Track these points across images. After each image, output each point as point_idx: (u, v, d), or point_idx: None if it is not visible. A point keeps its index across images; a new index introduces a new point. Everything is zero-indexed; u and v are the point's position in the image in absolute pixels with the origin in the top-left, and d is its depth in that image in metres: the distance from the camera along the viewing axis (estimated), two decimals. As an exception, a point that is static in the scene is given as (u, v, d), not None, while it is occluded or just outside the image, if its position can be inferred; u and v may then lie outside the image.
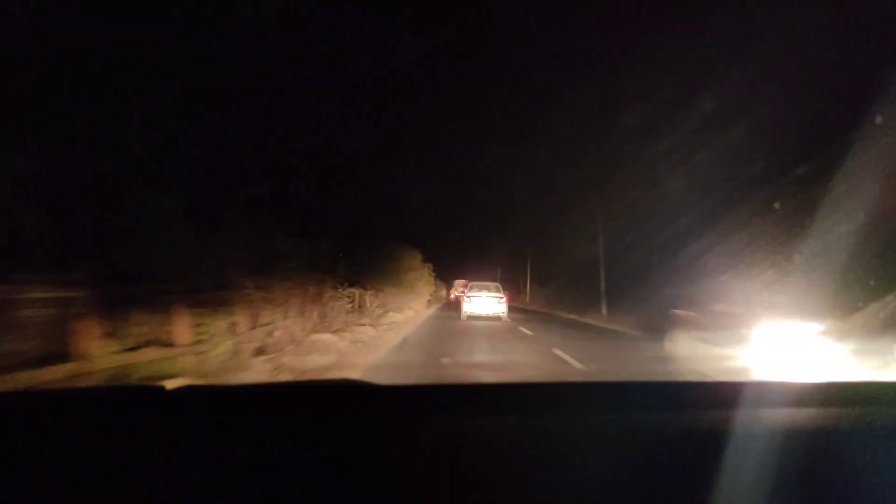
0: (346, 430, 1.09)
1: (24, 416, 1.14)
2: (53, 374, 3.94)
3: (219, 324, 6.66)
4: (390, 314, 16.22)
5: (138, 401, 1.25)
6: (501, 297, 17.56)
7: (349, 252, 13.39)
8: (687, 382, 1.89)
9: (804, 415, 1.30)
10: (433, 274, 24.94)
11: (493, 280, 22.81)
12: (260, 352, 7.26)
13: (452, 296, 37.69)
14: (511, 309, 18.75)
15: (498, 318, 16.73)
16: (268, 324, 7.87)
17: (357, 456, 1.01)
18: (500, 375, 6.78)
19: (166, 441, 1.04)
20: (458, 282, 45.81)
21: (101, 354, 4.58)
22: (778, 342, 6.07)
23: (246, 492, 0.89)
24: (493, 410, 1.25)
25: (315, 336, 9.24)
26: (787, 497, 0.98)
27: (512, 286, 37.85)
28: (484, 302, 17.26)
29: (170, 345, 5.58)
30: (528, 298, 40.81)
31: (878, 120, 10.41)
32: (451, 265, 45.92)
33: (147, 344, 5.36)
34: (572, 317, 22.79)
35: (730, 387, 1.55)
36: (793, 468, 1.04)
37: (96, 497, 0.89)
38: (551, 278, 37.76)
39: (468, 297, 17.82)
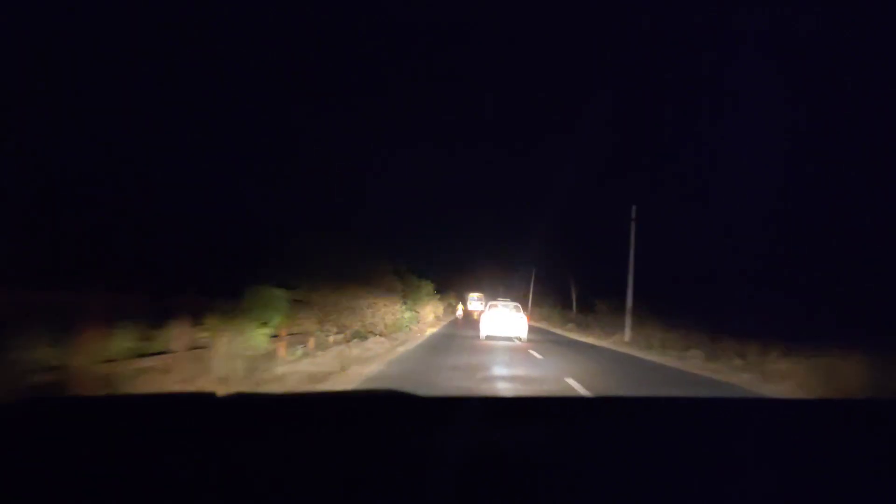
0: (387, 438, 1.11)
1: (79, 422, 1.12)
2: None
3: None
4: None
5: (191, 407, 1.24)
6: (522, 317, 16.89)
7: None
8: (690, 399, 1.81)
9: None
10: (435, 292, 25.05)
11: (511, 298, 22.49)
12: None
13: (460, 312, 35.24)
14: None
15: (519, 339, 16.10)
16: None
17: (397, 463, 1.01)
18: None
19: (217, 447, 1.03)
20: (473, 294, 45.36)
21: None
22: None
23: (290, 497, 0.90)
24: (518, 422, 1.29)
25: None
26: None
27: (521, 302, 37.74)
28: (503, 322, 16.59)
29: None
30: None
31: None
32: (466, 282, 46.43)
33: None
34: (589, 341, 20.47)
35: (739, 404, 1.99)
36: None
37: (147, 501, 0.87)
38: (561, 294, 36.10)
39: (486, 316, 17.22)
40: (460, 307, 35.77)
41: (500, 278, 50.25)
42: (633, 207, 20.61)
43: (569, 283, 35.45)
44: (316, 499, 0.88)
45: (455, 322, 31.05)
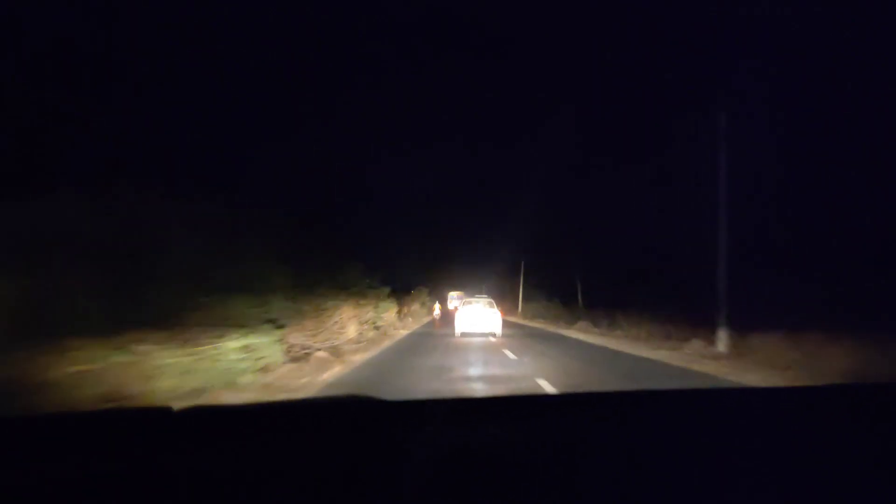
0: (350, 445, 1.10)
1: (27, 439, 1.10)
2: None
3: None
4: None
5: (147, 422, 1.24)
6: (496, 313, 16.56)
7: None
8: (674, 391, 1.94)
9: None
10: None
11: (484, 294, 22.53)
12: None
13: (437, 313, 28.61)
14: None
15: (493, 336, 15.73)
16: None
17: (360, 469, 1.01)
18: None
19: (175, 461, 1.01)
20: (453, 293, 41.22)
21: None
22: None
23: None
24: (484, 423, 1.29)
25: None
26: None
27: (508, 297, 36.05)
28: (478, 319, 16.36)
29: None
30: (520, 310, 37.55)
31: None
32: (445, 278, 43.47)
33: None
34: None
35: (715, 394, 2.04)
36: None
37: None
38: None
39: (461, 313, 16.89)
40: (437, 307, 29.13)
41: (483, 274, 47.81)
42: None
43: (570, 272, 28.51)
44: None
45: (432, 323, 26.15)
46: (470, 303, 17.59)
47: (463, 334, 15.92)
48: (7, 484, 0.89)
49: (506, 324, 17.99)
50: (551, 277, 31.41)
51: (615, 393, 1.76)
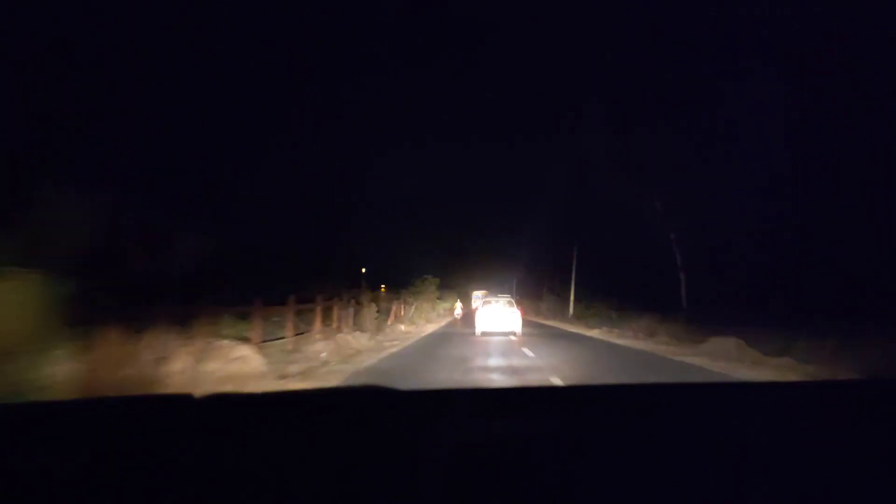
0: (367, 434, 1.11)
1: (55, 425, 1.12)
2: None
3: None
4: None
5: (168, 408, 1.26)
6: (515, 312, 17.09)
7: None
8: (686, 384, 1.90)
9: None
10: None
11: (506, 294, 23.28)
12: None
13: (459, 311, 27.89)
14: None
15: (514, 334, 16.19)
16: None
17: (377, 457, 1.02)
18: None
19: (195, 448, 1.03)
20: (477, 292, 40.99)
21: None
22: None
23: (269, 496, 0.91)
24: (504, 414, 1.30)
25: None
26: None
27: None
28: (498, 318, 16.88)
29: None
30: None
31: None
32: (467, 276, 42.91)
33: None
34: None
35: (734, 388, 2.02)
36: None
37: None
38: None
39: (481, 312, 17.45)
40: (458, 306, 28.49)
41: (512, 274, 46.16)
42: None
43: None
44: (302, 496, 0.89)
45: (453, 323, 25.69)
46: (490, 302, 18.17)
47: (483, 333, 16.38)
48: (25, 469, 0.90)
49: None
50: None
51: (632, 385, 1.80)
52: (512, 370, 8.82)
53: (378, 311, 16.99)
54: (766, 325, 11.54)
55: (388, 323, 18.31)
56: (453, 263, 41.09)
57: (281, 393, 1.56)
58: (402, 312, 21.29)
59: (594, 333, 18.86)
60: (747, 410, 1.32)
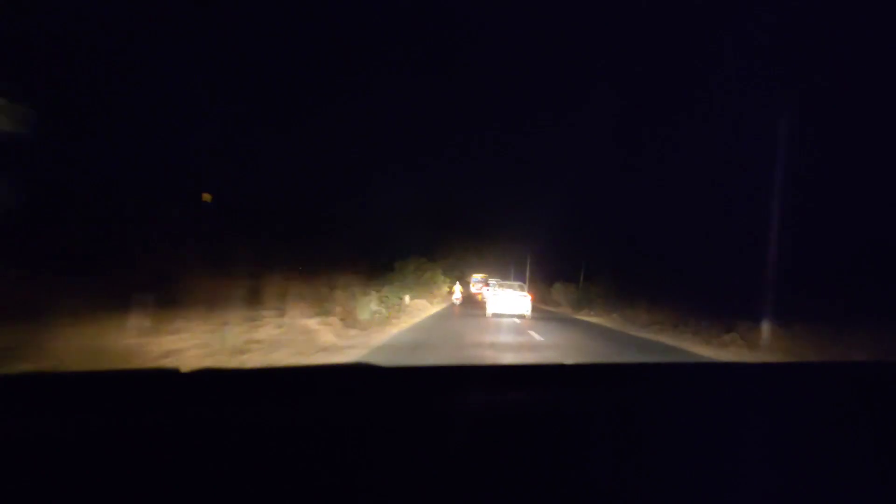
0: (354, 410, 1.10)
1: (37, 397, 1.11)
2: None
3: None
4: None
5: (154, 383, 1.24)
6: (525, 296, 17.91)
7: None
8: (679, 364, 2.02)
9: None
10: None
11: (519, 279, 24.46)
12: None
13: (457, 296, 26.87)
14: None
15: (522, 317, 17.13)
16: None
17: (366, 434, 1.02)
18: None
19: (181, 423, 1.02)
20: (476, 275, 42.06)
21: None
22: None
23: (258, 472, 0.90)
24: (495, 390, 1.27)
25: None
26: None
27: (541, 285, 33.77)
28: (508, 301, 17.60)
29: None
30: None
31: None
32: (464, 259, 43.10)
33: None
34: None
35: (725, 368, 2.04)
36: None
37: (108, 480, 0.87)
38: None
39: (492, 295, 18.59)
40: (458, 289, 27.31)
41: (517, 256, 44.81)
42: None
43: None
44: (292, 475, 0.88)
45: (451, 307, 24.03)
46: (502, 286, 19.71)
47: (494, 315, 17.34)
48: (9, 439, 0.90)
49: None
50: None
51: (636, 364, 1.78)
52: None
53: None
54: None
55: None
56: (458, 246, 40.88)
57: (267, 368, 1.53)
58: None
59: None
60: (749, 389, 1.35)
